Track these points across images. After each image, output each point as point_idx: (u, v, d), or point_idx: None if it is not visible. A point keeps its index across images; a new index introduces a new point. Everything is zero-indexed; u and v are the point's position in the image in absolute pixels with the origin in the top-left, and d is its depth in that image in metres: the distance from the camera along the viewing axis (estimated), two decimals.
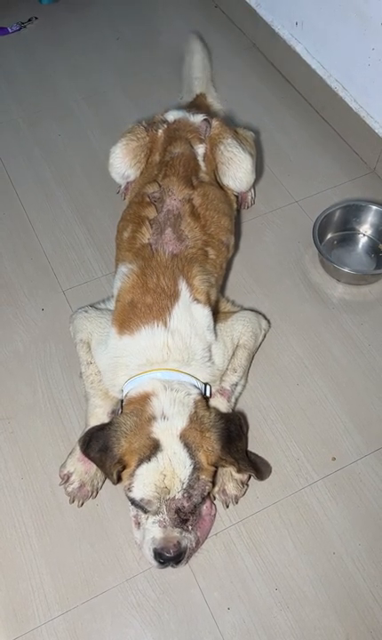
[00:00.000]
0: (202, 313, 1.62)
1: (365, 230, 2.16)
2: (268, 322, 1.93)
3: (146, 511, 1.40)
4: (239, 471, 1.48)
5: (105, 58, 2.79)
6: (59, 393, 1.83)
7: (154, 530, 1.39)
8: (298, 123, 2.51)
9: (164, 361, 1.54)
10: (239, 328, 1.76)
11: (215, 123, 2.01)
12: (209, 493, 1.47)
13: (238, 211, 2.16)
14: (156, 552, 1.39)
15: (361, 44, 2.14)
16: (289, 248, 2.15)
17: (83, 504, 1.62)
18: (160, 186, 1.81)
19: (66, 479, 1.61)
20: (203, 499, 1.44)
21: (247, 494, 1.64)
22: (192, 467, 1.38)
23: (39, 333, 1.95)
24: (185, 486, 1.36)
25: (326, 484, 1.67)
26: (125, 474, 1.40)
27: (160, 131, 2.00)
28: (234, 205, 2.06)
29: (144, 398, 1.48)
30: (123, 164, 2.01)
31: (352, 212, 2.14)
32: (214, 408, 1.58)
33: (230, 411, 1.70)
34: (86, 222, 2.22)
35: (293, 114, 2.54)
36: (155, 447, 1.38)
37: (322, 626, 1.48)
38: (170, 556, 1.38)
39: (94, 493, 1.62)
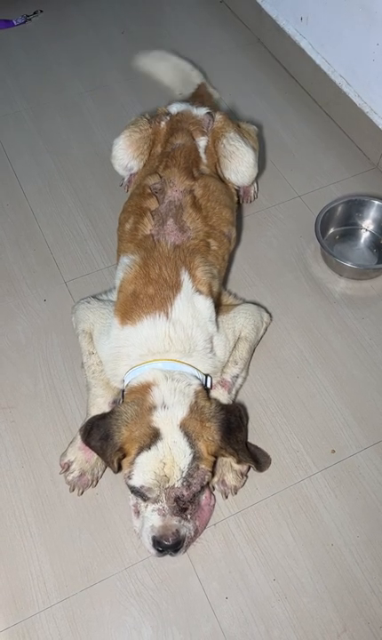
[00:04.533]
0: (204, 304, 1.63)
1: (367, 225, 2.16)
2: (270, 315, 1.93)
3: (145, 499, 1.40)
4: (238, 462, 1.49)
5: (109, 51, 2.80)
6: (61, 383, 1.83)
7: (153, 518, 1.39)
8: (301, 118, 2.52)
9: (166, 351, 1.55)
10: (241, 321, 1.77)
11: (218, 116, 2.02)
12: (208, 483, 1.48)
13: (239, 204, 2.16)
14: (155, 540, 1.39)
15: (365, 39, 2.15)
16: (291, 242, 2.15)
17: (83, 492, 1.62)
18: (161, 177, 1.81)
19: (66, 468, 1.62)
20: (202, 488, 1.44)
21: (246, 485, 1.65)
22: (191, 456, 1.38)
23: (41, 324, 1.96)
24: (184, 475, 1.37)
25: (325, 477, 1.68)
26: (125, 462, 1.41)
27: (163, 123, 2.00)
28: (235, 198, 2.06)
29: (145, 388, 1.48)
30: (125, 155, 2.01)
31: (354, 207, 2.14)
32: (215, 399, 1.59)
33: (231, 402, 1.70)
34: (89, 214, 2.22)
35: (297, 109, 2.55)
36: (155, 436, 1.39)
37: (319, 616, 1.49)
38: (168, 545, 1.38)
39: (94, 482, 1.63)
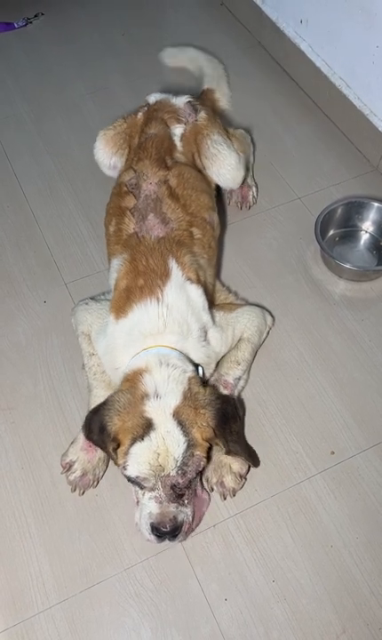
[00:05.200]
0: (197, 292, 1.63)
1: (367, 227, 2.16)
2: (273, 318, 1.93)
3: (142, 487, 1.40)
4: (228, 453, 1.48)
5: (110, 53, 2.81)
6: (61, 384, 1.84)
7: (150, 505, 1.40)
8: (301, 120, 2.52)
9: (159, 332, 1.53)
10: (244, 321, 1.77)
11: (202, 114, 2.01)
12: (204, 468, 1.47)
13: (218, 197, 2.13)
14: (153, 526, 1.40)
15: (365, 41, 2.15)
16: (291, 244, 2.16)
17: (84, 493, 1.62)
18: (135, 171, 1.81)
19: (68, 468, 1.62)
20: (198, 474, 1.44)
21: (245, 487, 1.65)
22: (186, 444, 1.37)
23: (41, 325, 1.96)
24: (179, 464, 1.36)
25: (325, 478, 1.68)
26: (120, 452, 1.39)
27: (140, 114, 2.01)
28: (213, 185, 2.04)
29: (137, 375, 1.46)
30: (105, 154, 2.04)
31: (354, 209, 2.15)
32: (211, 386, 1.58)
33: None
34: (89, 216, 2.23)
35: (297, 111, 2.55)
36: (147, 426, 1.37)
37: (318, 618, 1.49)
38: (166, 531, 1.39)
39: (95, 483, 1.63)
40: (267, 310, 1.93)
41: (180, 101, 2.01)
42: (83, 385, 1.79)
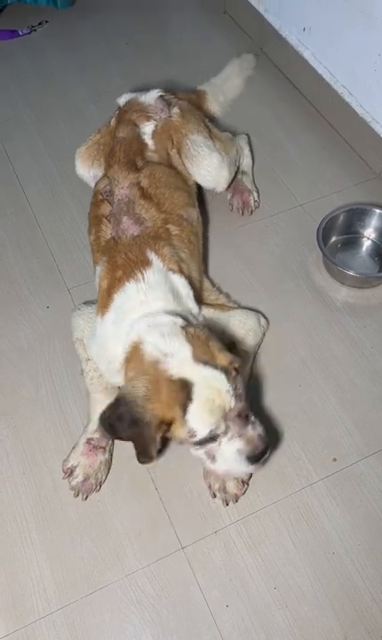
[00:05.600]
0: (180, 281, 1.60)
1: (369, 234, 2.17)
2: (267, 321, 1.92)
3: (216, 439, 1.36)
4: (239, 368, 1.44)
5: (113, 59, 2.82)
6: (62, 389, 1.84)
7: (234, 444, 1.36)
8: (304, 127, 2.53)
9: (142, 303, 1.50)
10: (236, 322, 1.75)
11: (176, 109, 1.99)
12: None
13: (201, 197, 2.14)
14: (250, 458, 1.37)
15: (367, 49, 2.16)
16: (293, 250, 2.16)
17: (87, 497, 1.62)
18: (108, 178, 1.81)
19: (69, 473, 1.62)
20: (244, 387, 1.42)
21: (247, 493, 1.65)
22: (223, 374, 1.33)
23: (44, 330, 1.96)
24: (232, 394, 1.33)
25: (326, 485, 1.68)
26: (177, 428, 1.33)
27: (113, 120, 2.01)
28: (191, 181, 2.02)
29: (135, 350, 1.41)
30: (84, 170, 2.06)
31: (356, 216, 2.15)
32: (201, 322, 1.56)
33: None
34: None
35: (299, 118, 2.56)
36: (185, 385, 1.31)
37: (320, 625, 1.48)
38: (262, 451, 1.38)
39: (98, 487, 1.63)
40: (262, 314, 1.92)
41: (151, 97, 1.99)
42: (84, 390, 1.79)
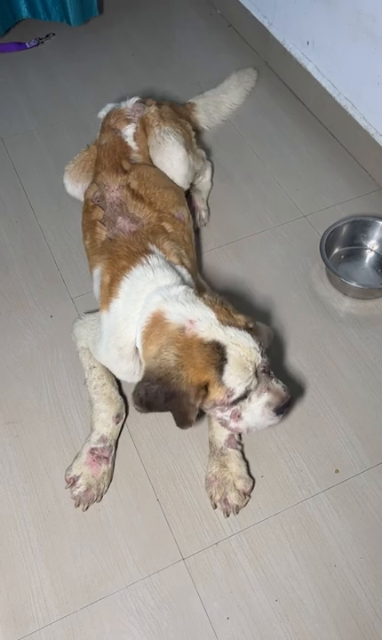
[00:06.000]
0: (183, 271, 1.62)
1: (372, 246, 2.18)
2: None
3: (247, 396, 1.41)
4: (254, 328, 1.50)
5: (120, 72, 2.85)
6: (65, 398, 1.84)
7: (263, 397, 1.44)
8: (307, 139, 2.55)
9: (151, 281, 1.52)
10: None
11: (151, 109, 2.03)
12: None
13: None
14: (277, 409, 1.46)
15: (370, 63, 2.18)
16: (296, 261, 2.17)
17: (88, 508, 1.62)
18: (98, 185, 1.83)
19: (72, 483, 1.62)
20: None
21: (249, 504, 1.64)
22: (248, 333, 1.40)
23: (47, 339, 1.97)
24: (259, 350, 1.39)
25: (328, 497, 1.67)
26: (214, 390, 1.37)
27: (98, 133, 2.05)
28: None
29: (157, 321, 1.42)
30: (73, 186, 2.11)
31: (359, 228, 2.16)
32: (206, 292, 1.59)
33: None
34: None
35: (303, 130, 2.58)
36: (217, 347, 1.36)
37: (321, 638, 1.47)
38: (288, 401, 1.47)
39: (99, 498, 1.63)
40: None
41: (129, 103, 2.05)
42: (86, 399, 1.79)
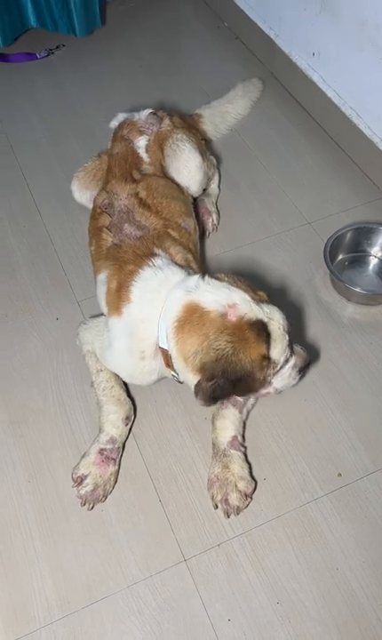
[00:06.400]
0: (190, 272, 1.63)
1: (376, 252, 2.19)
2: None
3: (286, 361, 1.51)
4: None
5: (127, 82, 2.90)
6: (70, 400, 1.85)
7: (291, 361, 1.53)
8: (312, 148, 2.58)
9: (164, 280, 1.54)
10: None
11: (166, 122, 2.07)
12: None
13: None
14: (301, 369, 1.58)
15: (375, 73, 2.22)
16: (300, 268, 2.18)
17: (93, 507, 1.63)
18: (107, 192, 1.86)
19: (79, 482, 1.63)
20: None
21: (251, 507, 1.64)
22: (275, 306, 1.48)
23: (53, 342, 1.99)
24: (287, 319, 1.48)
25: (331, 500, 1.67)
26: (267, 362, 1.44)
27: (109, 142, 2.08)
28: (186, 191, 2.07)
29: (193, 311, 1.42)
30: (81, 193, 2.13)
31: (363, 235, 2.18)
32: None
33: (242, 422, 1.73)
34: None
35: (308, 139, 2.61)
36: (262, 324, 1.41)
37: None
38: (308, 361, 1.60)
39: (104, 498, 1.64)
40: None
41: (143, 115, 2.07)
42: (91, 401, 1.81)
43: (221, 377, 1.38)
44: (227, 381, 1.38)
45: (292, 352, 1.54)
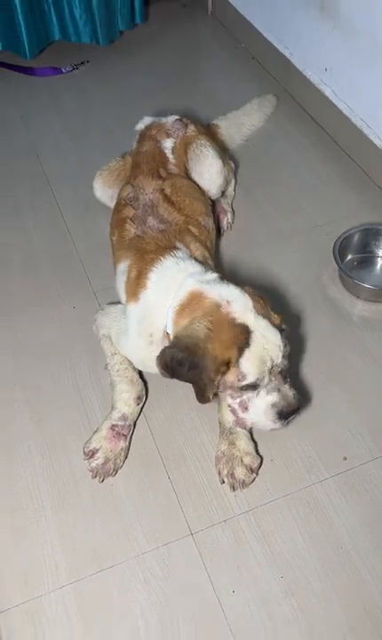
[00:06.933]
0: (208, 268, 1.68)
1: None
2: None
3: (256, 388, 1.47)
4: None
5: (147, 98, 3.03)
6: (83, 382, 1.92)
7: (270, 398, 1.48)
8: (324, 159, 2.68)
9: (182, 269, 1.59)
10: None
11: (192, 127, 2.19)
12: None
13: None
14: (281, 413, 1.49)
15: None
16: (309, 266, 2.25)
17: (103, 480, 1.67)
18: (133, 187, 1.95)
19: (91, 455, 1.68)
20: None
21: (258, 485, 1.68)
22: (278, 331, 1.45)
23: (70, 329, 2.06)
24: (282, 350, 1.43)
25: (337, 482, 1.70)
26: (232, 368, 1.42)
27: (134, 143, 2.19)
28: (206, 194, 2.16)
29: (194, 297, 1.48)
30: (102, 190, 2.23)
31: (371, 236, 2.25)
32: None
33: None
34: None
35: (320, 151, 2.71)
36: (245, 330, 1.41)
37: (326, 617, 1.48)
38: (294, 409, 1.50)
39: (114, 472, 1.68)
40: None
41: (170, 119, 2.20)
42: (104, 383, 1.87)
43: (182, 351, 1.40)
44: (185, 360, 1.39)
45: (278, 388, 1.49)
